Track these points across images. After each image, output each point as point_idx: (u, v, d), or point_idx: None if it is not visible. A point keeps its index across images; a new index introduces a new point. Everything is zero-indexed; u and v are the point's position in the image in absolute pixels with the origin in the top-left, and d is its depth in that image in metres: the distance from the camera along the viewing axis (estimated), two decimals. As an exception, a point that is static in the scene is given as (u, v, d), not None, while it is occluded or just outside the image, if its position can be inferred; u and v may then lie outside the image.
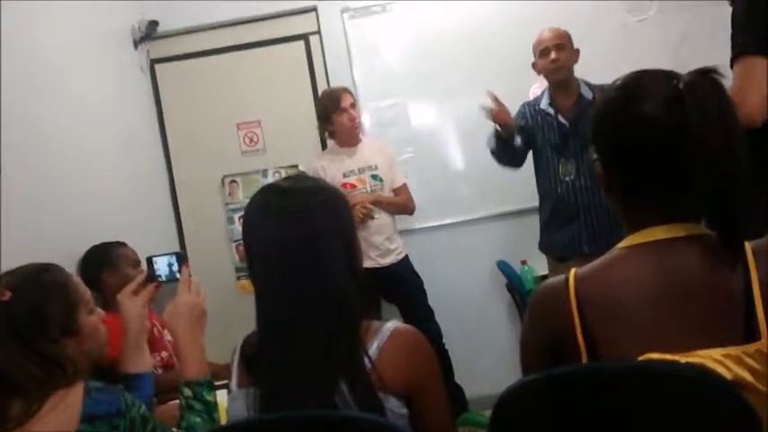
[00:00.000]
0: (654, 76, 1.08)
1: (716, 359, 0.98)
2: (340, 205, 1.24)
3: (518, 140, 3.00)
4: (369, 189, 3.43)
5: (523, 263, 3.60)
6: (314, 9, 3.83)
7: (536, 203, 3.24)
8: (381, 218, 3.41)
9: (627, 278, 1.07)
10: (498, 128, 2.94)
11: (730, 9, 1.88)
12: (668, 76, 1.06)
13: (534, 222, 3.27)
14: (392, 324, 1.20)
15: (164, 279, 1.61)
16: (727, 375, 0.97)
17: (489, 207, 3.77)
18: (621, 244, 1.11)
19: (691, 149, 0.99)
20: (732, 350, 0.98)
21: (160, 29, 3.73)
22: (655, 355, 1.00)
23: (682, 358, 0.99)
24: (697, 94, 1.01)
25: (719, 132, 0.99)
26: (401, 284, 3.45)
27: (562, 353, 1.08)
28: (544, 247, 3.18)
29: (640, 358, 1.00)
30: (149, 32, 3.65)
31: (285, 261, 1.16)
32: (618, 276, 1.08)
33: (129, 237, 2.80)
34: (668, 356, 0.99)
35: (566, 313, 1.07)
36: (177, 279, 1.56)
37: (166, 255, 1.61)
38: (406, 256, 3.51)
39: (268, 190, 1.26)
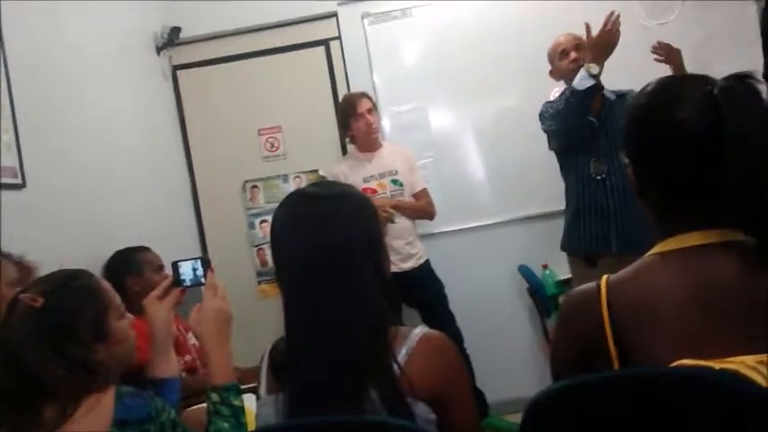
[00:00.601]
0: (687, 82, 1.08)
1: (750, 365, 0.97)
2: (367, 211, 1.24)
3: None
4: (389, 194, 3.43)
5: (545, 267, 3.58)
6: (334, 14, 3.85)
7: (557, 207, 3.22)
8: (402, 222, 3.41)
9: (659, 284, 1.06)
10: (592, 69, 2.74)
11: (752, 10, 1.85)
12: (703, 81, 1.05)
13: (555, 226, 3.24)
14: (420, 330, 1.20)
15: (188, 284, 1.62)
16: (762, 382, 0.96)
17: (510, 211, 3.76)
18: (654, 250, 1.10)
19: (727, 156, 0.98)
20: (766, 357, 0.97)
21: (182, 35, 3.76)
22: (688, 362, 0.99)
23: (715, 364, 0.97)
24: (733, 100, 1.00)
25: (757, 138, 0.98)
26: (422, 289, 3.45)
27: (593, 359, 1.07)
28: (569, 246, 3.08)
29: (673, 365, 0.99)
30: (172, 39, 3.69)
31: (313, 268, 1.17)
32: (650, 283, 1.07)
33: (152, 242, 2.83)
34: (701, 363, 0.98)
35: (597, 319, 1.06)
36: (202, 284, 1.57)
37: (191, 259, 1.62)
38: (427, 260, 3.51)
39: (295, 196, 1.26)
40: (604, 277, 1.10)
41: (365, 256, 1.18)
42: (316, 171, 3.84)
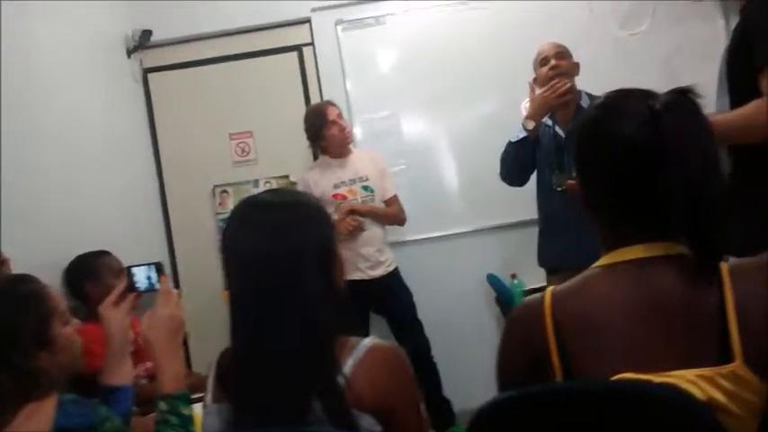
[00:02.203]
0: (632, 96, 1.09)
1: (689, 380, 0.98)
2: (321, 220, 1.23)
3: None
4: (360, 200, 3.42)
5: (513, 276, 3.59)
6: (308, 20, 3.84)
7: (527, 216, 3.24)
8: (372, 229, 3.40)
9: (603, 297, 1.06)
10: (527, 124, 2.88)
11: (720, 25, 1.89)
12: (647, 95, 1.06)
13: (524, 235, 3.26)
14: (369, 341, 1.19)
15: (143, 289, 1.60)
16: (701, 396, 0.97)
17: (481, 220, 3.77)
18: (599, 262, 1.11)
19: (667, 169, 0.99)
20: (706, 371, 0.98)
21: (154, 38, 3.72)
22: (629, 375, 0.99)
23: (655, 378, 0.98)
24: (674, 114, 1.01)
25: (696, 152, 1.00)
26: (390, 297, 3.44)
27: (538, 371, 1.07)
28: (539, 259, 3.15)
29: (614, 378, 1.00)
30: (143, 42, 3.65)
31: (261, 275, 1.15)
32: (594, 295, 1.07)
33: (119, 246, 2.79)
34: (642, 376, 0.99)
35: (541, 332, 1.06)
36: (156, 289, 1.55)
37: (145, 265, 1.60)
38: (397, 268, 3.50)
39: (248, 203, 1.25)
40: (550, 289, 1.11)
41: (317, 266, 1.17)
42: (287, 177, 3.83)
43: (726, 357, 0.98)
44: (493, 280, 3.64)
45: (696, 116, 1.02)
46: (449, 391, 3.48)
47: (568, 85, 2.84)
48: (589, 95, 2.98)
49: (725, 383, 0.97)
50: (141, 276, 1.59)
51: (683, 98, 1.02)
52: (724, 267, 1.03)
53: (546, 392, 1.02)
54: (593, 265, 1.11)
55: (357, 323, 3.42)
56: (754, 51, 1.72)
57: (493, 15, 3.77)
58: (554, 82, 2.85)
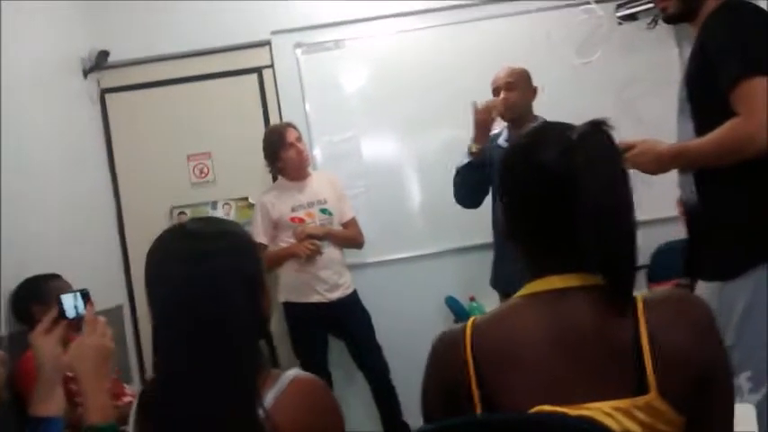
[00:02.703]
0: (554, 127, 1.10)
1: (606, 412, 0.98)
2: (245, 249, 1.21)
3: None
4: (318, 223, 3.42)
5: (472, 299, 3.59)
6: (267, 43, 3.85)
7: (487, 239, 3.25)
8: (330, 252, 3.39)
9: (521, 328, 1.06)
10: (470, 148, 2.95)
11: (674, 54, 1.92)
12: (566, 127, 1.07)
13: (483, 258, 3.27)
14: (293, 373, 1.17)
15: (71, 317, 1.56)
16: (617, 428, 0.96)
17: (440, 242, 3.78)
18: (520, 292, 1.11)
19: (580, 200, 1.00)
20: (622, 403, 0.98)
21: (112, 59, 3.69)
22: (546, 408, 0.99)
23: (572, 411, 0.98)
24: (586, 146, 1.02)
25: (606, 184, 1.00)
26: (348, 320, 3.43)
27: (459, 402, 1.06)
28: (492, 281, 3.18)
29: (532, 410, 0.99)
30: (99, 62, 3.62)
31: (182, 305, 1.13)
32: (513, 326, 1.07)
33: (74, 269, 2.74)
34: (559, 408, 0.98)
35: (461, 363, 1.05)
36: (83, 317, 1.51)
37: (73, 292, 1.56)
38: (355, 290, 3.49)
39: (172, 231, 1.23)
40: (471, 319, 1.10)
41: (239, 297, 1.15)
42: (246, 198, 3.81)
43: (641, 389, 0.98)
44: (451, 302, 3.63)
45: (608, 148, 1.03)
46: (408, 414, 3.46)
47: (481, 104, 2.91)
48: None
49: (640, 415, 0.97)
50: (69, 304, 1.55)
51: (597, 130, 1.03)
52: (639, 298, 1.03)
53: (464, 425, 1.01)
54: (515, 295, 1.11)
55: (317, 347, 3.40)
56: (719, 75, 1.74)
57: (453, 41, 3.81)
58: (485, 102, 2.91)
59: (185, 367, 1.12)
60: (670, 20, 1.99)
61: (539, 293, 1.08)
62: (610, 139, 1.03)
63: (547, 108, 3.61)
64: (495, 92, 3.01)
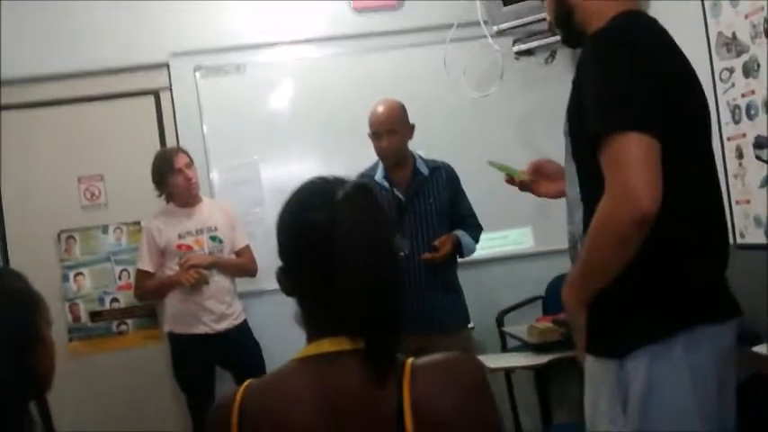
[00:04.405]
0: (325, 184, 1.08)
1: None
2: (18, 305, 1.15)
3: None
4: (207, 251, 3.34)
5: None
6: (166, 65, 3.77)
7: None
8: (219, 281, 3.32)
9: (293, 392, 1.03)
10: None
11: (568, 89, 1.64)
12: (336, 185, 1.05)
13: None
14: None
15: None
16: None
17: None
18: (295, 355, 1.08)
19: (339, 261, 0.98)
20: None
21: (3, 76, 3.55)
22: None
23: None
24: (347, 209, 1.00)
25: (364, 247, 0.99)
26: (237, 351, 3.34)
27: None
28: None
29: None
30: (-12, 79, 3.48)
31: None
32: (285, 390, 1.04)
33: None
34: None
35: (227, 426, 1.02)
36: None
37: None
38: (245, 320, 3.42)
39: None
40: (246, 383, 1.07)
41: (7, 356, 1.09)
42: (138, 223, 3.70)
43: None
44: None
45: (369, 211, 1.02)
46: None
47: None
48: (423, 159, 3.03)
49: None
50: None
51: (360, 192, 1.02)
52: (408, 364, 1.02)
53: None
54: (291, 359, 1.08)
55: (200, 380, 3.30)
56: (586, 116, 1.44)
57: (353, 69, 3.82)
58: None
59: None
60: (565, 43, 1.76)
61: (311, 357, 1.05)
62: (372, 201, 1.02)
63: (447, 141, 3.66)
64: (374, 137, 2.98)
